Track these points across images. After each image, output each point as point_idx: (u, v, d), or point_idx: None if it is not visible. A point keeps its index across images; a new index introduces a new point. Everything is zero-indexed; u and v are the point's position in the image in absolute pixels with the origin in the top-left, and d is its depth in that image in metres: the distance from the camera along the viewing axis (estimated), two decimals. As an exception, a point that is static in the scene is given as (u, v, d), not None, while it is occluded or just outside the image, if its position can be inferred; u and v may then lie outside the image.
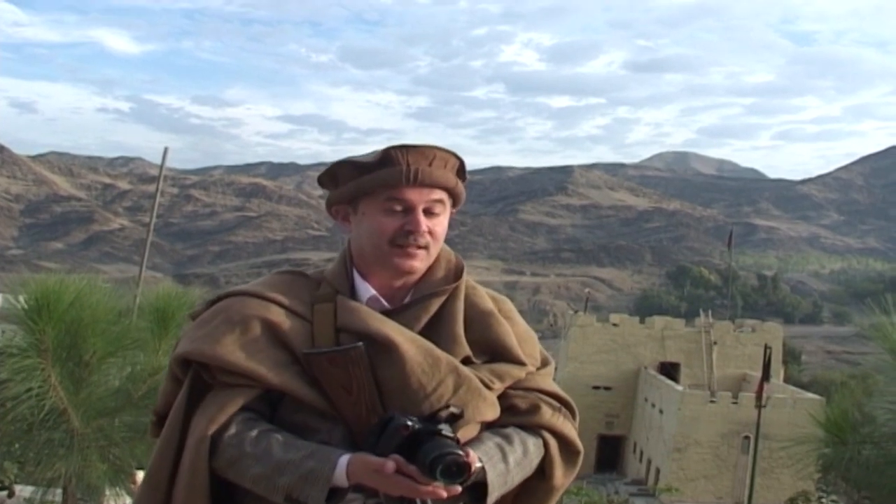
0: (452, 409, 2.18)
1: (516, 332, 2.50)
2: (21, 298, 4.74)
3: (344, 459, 2.11)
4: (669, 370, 54.17)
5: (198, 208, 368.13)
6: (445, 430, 2.11)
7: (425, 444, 2.06)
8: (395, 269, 2.38)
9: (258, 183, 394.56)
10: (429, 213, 2.39)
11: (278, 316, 2.34)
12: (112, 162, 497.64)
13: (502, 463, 2.27)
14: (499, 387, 2.38)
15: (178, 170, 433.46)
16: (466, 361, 2.36)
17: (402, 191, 2.36)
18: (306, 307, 2.38)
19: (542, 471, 2.44)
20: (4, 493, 5.43)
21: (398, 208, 2.37)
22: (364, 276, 2.43)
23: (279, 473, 2.13)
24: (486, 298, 2.52)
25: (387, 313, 2.37)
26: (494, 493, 2.24)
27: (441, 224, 2.42)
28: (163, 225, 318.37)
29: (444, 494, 2.06)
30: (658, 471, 48.02)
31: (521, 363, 2.44)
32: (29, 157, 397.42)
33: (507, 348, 2.43)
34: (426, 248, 2.38)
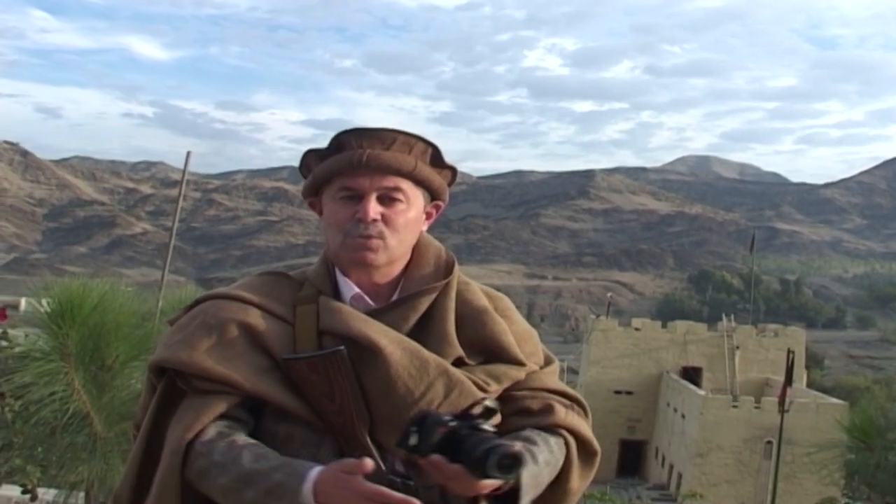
0: (487, 403, 2.02)
1: (515, 330, 2.34)
2: (45, 302, 4.76)
3: (314, 473, 1.93)
4: (691, 375, 53.97)
5: (220, 212, 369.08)
6: (484, 425, 1.97)
7: (467, 440, 1.90)
8: (353, 262, 2.24)
9: (280, 187, 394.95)
10: (385, 200, 2.22)
11: (257, 319, 2.19)
12: (135, 166, 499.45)
13: (534, 465, 2.09)
14: (495, 389, 2.22)
15: (201, 174, 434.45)
16: (459, 363, 2.21)
17: (353, 177, 2.21)
18: (288, 309, 2.24)
19: (558, 475, 2.25)
20: (27, 496, 5.44)
21: (350, 195, 2.22)
22: (345, 273, 2.28)
23: (246, 486, 1.97)
24: (480, 295, 2.36)
25: (372, 313, 2.22)
26: (527, 495, 2.08)
27: (402, 214, 2.24)
28: (185, 229, 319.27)
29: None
30: (680, 476, 47.83)
31: (519, 363, 2.29)
32: (52, 161, 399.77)
33: (503, 347, 2.28)
34: (380, 237, 2.20)
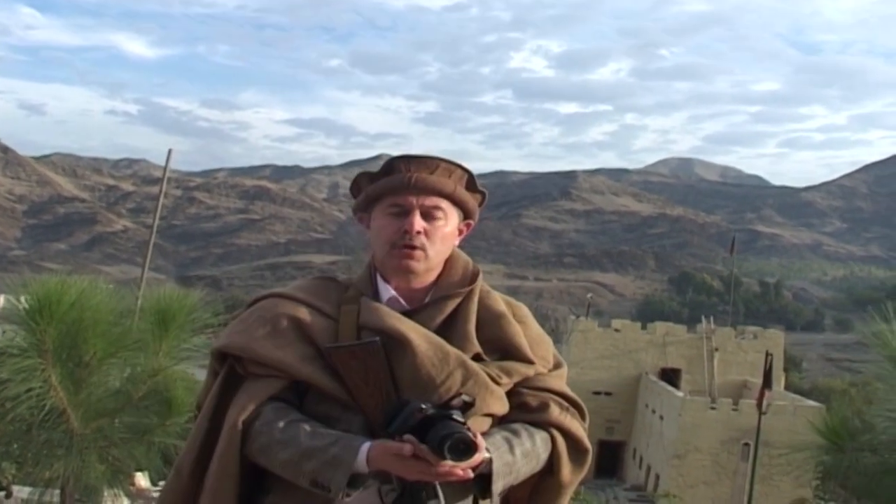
0: (464, 398, 2.32)
1: (529, 335, 2.69)
2: (23, 299, 4.74)
3: (365, 446, 2.29)
4: (670, 376, 54.08)
5: (201, 210, 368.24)
6: (456, 415, 2.27)
7: (436, 425, 2.23)
8: (396, 268, 2.59)
9: (262, 185, 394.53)
10: (427, 217, 2.59)
11: (306, 315, 2.56)
12: (116, 163, 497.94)
13: (509, 454, 2.42)
14: (506, 382, 2.56)
15: (182, 172, 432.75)
16: (477, 358, 2.54)
17: (402, 195, 2.58)
18: (334, 308, 2.60)
19: (551, 468, 2.58)
20: (2, 493, 5.43)
21: (398, 211, 2.58)
22: (385, 279, 2.64)
23: (306, 459, 2.32)
24: (500, 302, 2.71)
25: (406, 313, 2.57)
26: (499, 481, 2.37)
27: (440, 229, 2.60)
28: (166, 227, 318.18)
29: (461, 473, 2.23)
30: (658, 477, 47.96)
31: (529, 361, 2.61)
32: (33, 158, 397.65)
33: (516, 347, 2.61)
34: (422, 248, 2.57)
